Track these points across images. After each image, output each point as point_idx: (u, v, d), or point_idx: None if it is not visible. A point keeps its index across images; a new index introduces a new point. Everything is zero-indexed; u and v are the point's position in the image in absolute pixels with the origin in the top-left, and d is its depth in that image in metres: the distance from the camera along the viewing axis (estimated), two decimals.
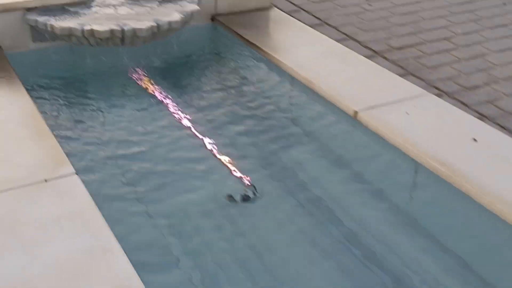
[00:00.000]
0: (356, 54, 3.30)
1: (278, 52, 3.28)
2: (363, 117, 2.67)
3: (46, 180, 2.15)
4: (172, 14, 3.21)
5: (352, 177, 2.64)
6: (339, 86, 2.91)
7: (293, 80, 3.12)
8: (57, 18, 3.10)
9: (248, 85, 3.30)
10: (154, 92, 3.19)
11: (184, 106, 3.08)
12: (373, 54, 3.42)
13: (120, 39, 3.06)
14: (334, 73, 3.04)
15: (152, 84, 3.27)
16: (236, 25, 3.62)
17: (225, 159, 2.71)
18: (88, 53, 3.21)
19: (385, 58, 3.38)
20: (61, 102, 3.04)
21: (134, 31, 3.04)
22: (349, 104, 2.75)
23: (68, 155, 2.32)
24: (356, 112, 2.70)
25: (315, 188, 2.57)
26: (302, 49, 3.33)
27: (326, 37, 3.53)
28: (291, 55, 3.25)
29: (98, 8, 3.25)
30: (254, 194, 2.50)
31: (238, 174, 2.61)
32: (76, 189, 2.12)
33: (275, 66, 3.25)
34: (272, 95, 3.21)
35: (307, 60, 3.19)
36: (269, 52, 3.30)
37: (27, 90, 2.77)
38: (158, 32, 3.13)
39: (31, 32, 3.20)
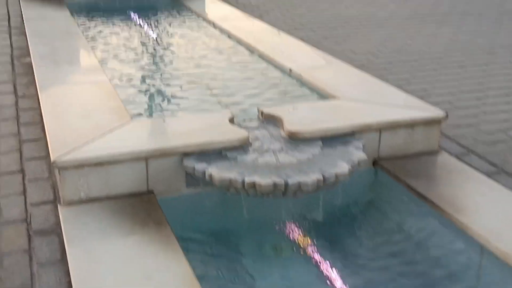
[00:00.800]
0: None
1: (459, 212, 2.79)
2: None
3: None
4: (339, 165, 2.87)
5: None
6: None
7: (483, 251, 2.60)
8: (214, 166, 2.86)
9: (429, 258, 2.80)
10: (311, 255, 2.82)
11: (345, 275, 2.65)
12: None
13: (282, 192, 2.75)
14: None
15: (308, 243, 2.90)
16: (401, 172, 3.21)
17: None
18: (242, 202, 2.92)
19: None
20: (213, 262, 2.74)
21: (299, 185, 2.72)
22: None
23: None
24: None
25: None
26: (489, 210, 2.82)
27: None
28: (476, 217, 2.75)
29: (257, 154, 2.99)
30: None
31: None
32: None
33: (456, 230, 2.74)
34: (457, 271, 2.67)
35: (501, 225, 2.67)
36: (447, 210, 2.81)
37: (179, 243, 2.49)
38: (323, 185, 2.80)
39: (185, 177, 2.99)
